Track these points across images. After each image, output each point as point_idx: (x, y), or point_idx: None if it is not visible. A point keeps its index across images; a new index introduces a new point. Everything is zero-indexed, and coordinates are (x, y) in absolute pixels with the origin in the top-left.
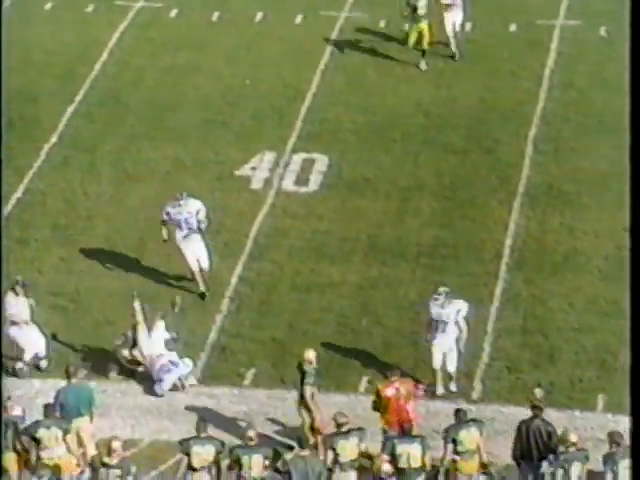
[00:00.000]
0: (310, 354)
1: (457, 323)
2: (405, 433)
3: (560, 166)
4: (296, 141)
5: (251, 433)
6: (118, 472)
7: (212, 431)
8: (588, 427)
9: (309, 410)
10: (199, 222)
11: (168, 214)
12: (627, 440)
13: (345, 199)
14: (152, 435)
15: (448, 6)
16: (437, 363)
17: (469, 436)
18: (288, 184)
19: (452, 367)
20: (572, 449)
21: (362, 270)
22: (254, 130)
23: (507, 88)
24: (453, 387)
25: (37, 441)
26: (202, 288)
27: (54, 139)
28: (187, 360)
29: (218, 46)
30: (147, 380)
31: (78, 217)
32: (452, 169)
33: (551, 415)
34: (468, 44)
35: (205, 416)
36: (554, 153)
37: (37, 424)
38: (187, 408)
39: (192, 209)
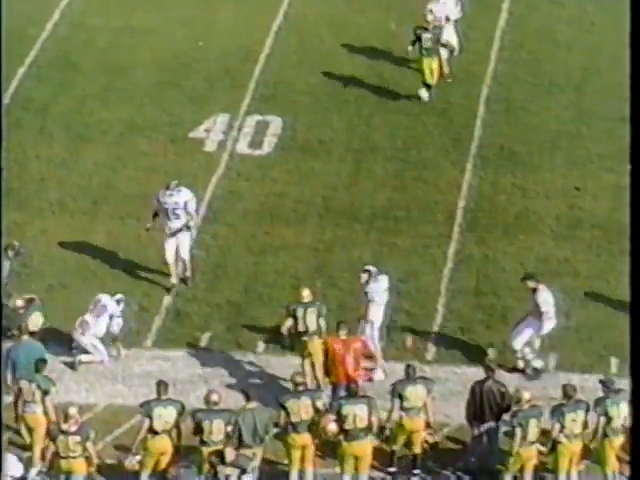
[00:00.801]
0: (305, 291)
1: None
2: (351, 394)
3: (511, 127)
4: (250, 103)
5: (214, 397)
6: (78, 438)
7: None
8: (540, 386)
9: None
10: (187, 214)
11: (158, 201)
12: (579, 394)
13: (299, 161)
14: (107, 399)
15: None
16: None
17: (415, 392)
18: (242, 146)
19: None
20: (526, 406)
21: (316, 232)
22: (207, 92)
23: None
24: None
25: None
26: (173, 280)
27: (5, 101)
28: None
29: (172, 8)
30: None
31: (30, 180)
32: (405, 131)
33: (504, 375)
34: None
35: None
36: (505, 113)
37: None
38: (142, 372)
39: (180, 200)
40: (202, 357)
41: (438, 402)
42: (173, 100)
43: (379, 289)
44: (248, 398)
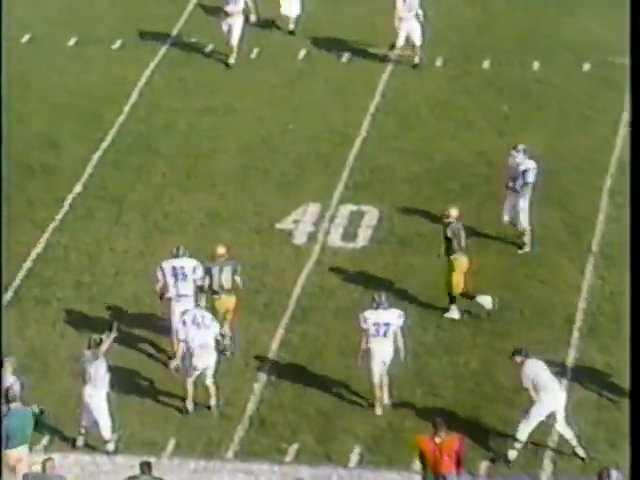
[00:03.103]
0: (221, 249)
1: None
2: None
3: None
4: (343, 191)
5: None
6: None
7: None
8: None
9: None
10: (196, 280)
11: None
12: None
13: (397, 256)
14: None
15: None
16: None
17: None
18: (334, 239)
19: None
20: None
21: (416, 335)
22: (297, 179)
23: (579, 134)
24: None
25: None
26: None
27: (78, 189)
28: None
29: (257, 86)
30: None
31: (103, 274)
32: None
33: None
34: (536, 84)
35: None
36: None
37: None
38: None
39: (188, 264)
40: (288, 471)
41: None
42: (259, 187)
43: None
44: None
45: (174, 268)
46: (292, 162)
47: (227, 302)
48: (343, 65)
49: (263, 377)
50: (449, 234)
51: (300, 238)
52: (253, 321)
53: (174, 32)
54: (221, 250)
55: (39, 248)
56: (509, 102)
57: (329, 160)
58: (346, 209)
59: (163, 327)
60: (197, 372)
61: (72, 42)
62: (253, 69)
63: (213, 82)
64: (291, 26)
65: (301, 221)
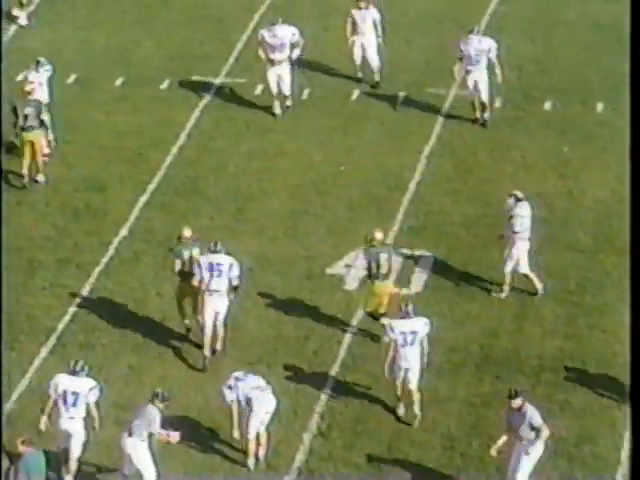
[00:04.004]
0: (187, 231)
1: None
2: None
3: None
4: (397, 236)
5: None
6: None
7: None
8: None
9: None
10: (232, 278)
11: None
12: None
13: (453, 303)
14: None
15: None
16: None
17: None
18: None
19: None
20: None
21: (473, 385)
22: (348, 223)
23: None
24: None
25: None
26: (206, 352)
27: (124, 232)
28: None
29: (308, 128)
30: None
31: (149, 320)
32: (579, 271)
33: None
34: (599, 126)
35: None
36: None
37: None
38: None
39: (225, 261)
40: None
41: None
42: (309, 231)
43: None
44: None
45: (211, 264)
46: (344, 206)
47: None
48: (398, 106)
49: (312, 427)
50: (365, 259)
51: (351, 284)
52: (302, 369)
53: (223, 72)
54: (187, 232)
55: (84, 292)
56: (570, 144)
57: (382, 204)
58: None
59: (212, 374)
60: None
61: (119, 82)
62: (304, 110)
63: (263, 123)
64: (376, 77)
65: (353, 266)
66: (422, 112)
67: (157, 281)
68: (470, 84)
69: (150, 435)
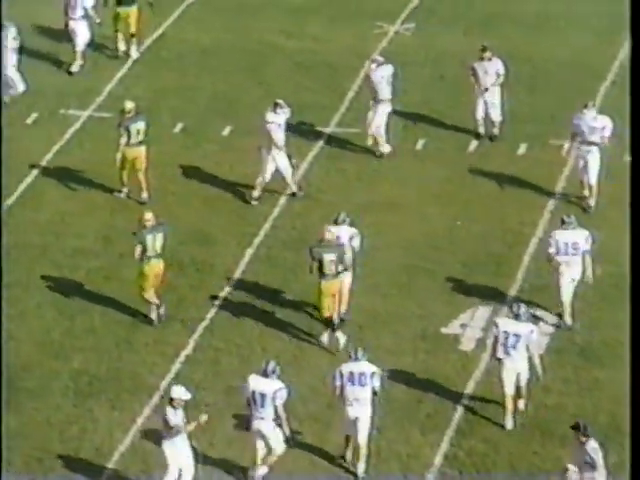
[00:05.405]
0: (148, 215)
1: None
2: None
3: None
4: (517, 295)
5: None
6: None
7: None
8: None
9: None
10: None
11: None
12: None
13: (579, 369)
14: None
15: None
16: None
17: None
18: None
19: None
20: None
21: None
22: (465, 280)
23: None
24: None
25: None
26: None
27: (230, 286)
28: None
29: (422, 180)
30: None
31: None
32: None
33: None
34: None
35: None
36: None
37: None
38: None
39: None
40: None
41: None
42: (424, 289)
43: None
44: None
45: (351, 373)
46: (460, 262)
47: (157, 267)
48: (518, 158)
49: None
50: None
51: (468, 344)
52: (415, 433)
53: (334, 121)
54: (148, 215)
55: (188, 350)
56: None
57: (501, 260)
58: None
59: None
60: None
61: (226, 132)
62: (418, 161)
63: (374, 175)
64: (496, 131)
65: (469, 325)
66: (545, 165)
67: (263, 337)
68: (580, 164)
69: None
